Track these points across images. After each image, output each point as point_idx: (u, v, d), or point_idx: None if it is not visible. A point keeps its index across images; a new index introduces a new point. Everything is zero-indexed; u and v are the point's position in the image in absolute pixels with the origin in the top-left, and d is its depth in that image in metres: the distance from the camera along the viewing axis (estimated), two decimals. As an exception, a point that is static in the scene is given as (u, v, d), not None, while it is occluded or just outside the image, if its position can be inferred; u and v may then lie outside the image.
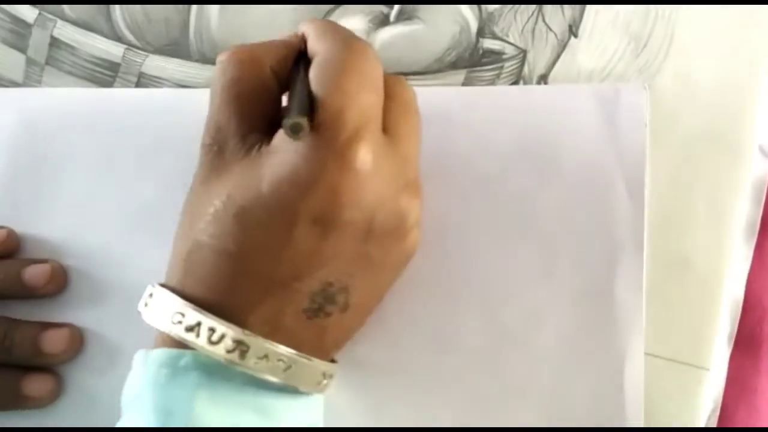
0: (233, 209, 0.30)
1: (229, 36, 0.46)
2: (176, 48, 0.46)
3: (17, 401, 0.39)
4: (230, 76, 0.34)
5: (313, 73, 0.32)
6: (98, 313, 0.41)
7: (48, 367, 0.39)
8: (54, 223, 0.43)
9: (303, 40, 0.36)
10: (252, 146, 0.32)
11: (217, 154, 0.34)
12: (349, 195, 0.30)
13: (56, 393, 0.39)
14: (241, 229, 0.30)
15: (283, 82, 0.35)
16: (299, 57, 0.36)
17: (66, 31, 0.47)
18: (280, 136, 0.31)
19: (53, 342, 0.39)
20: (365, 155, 0.30)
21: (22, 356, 0.39)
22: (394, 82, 0.34)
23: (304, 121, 0.29)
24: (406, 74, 0.43)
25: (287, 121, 0.29)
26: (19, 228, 0.43)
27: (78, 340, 0.40)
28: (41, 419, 0.40)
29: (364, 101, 0.31)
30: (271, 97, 0.35)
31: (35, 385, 0.39)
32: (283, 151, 0.30)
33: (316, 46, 0.34)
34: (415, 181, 0.33)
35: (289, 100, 0.32)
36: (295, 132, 0.29)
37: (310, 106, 0.31)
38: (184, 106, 0.44)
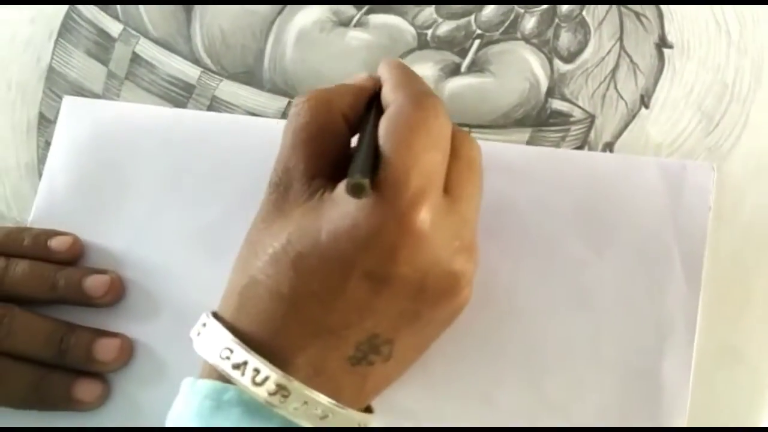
0: (291, 254, 0.31)
1: (302, 69, 0.46)
2: (250, 76, 0.47)
3: (67, 403, 0.41)
4: (303, 120, 0.35)
5: (383, 126, 0.32)
6: (151, 327, 0.42)
7: (98, 373, 0.40)
8: (117, 235, 0.44)
9: (378, 83, 0.37)
10: (316, 191, 0.33)
11: (282, 194, 0.34)
12: (405, 255, 0.30)
13: (103, 399, 0.41)
14: (296, 274, 0.30)
15: (353, 127, 0.36)
16: (372, 101, 0.37)
17: (147, 49, 0.49)
18: (342, 185, 0.31)
19: (106, 350, 0.40)
20: (425, 218, 0.30)
21: (75, 361, 0.41)
22: (462, 140, 0.35)
23: (366, 183, 0.29)
24: (471, 127, 0.43)
25: (350, 181, 0.29)
26: (84, 236, 0.44)
27: (128, 351, 0.41)
28: (86, 422, 0.41)
29: (429, 161, 0.31)
30: (341, 142, 0.35)
31: (85, 389, 0.40)
32: (345, 203, 0.30)
33: (389, 96, 0.34)
34: (471, 243, 0.33)
35: (355, 152, 0.32)
36: (356, 192, 0.29)
37: (376, 160, 0.31)
38: (253, 134, 0.45)
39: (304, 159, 0.34)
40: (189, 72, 0.48)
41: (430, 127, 0.32)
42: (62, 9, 0.49)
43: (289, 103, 0.46)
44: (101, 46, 0.49)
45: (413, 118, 0.32)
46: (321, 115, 0.35)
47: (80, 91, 0.48)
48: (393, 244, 0.30)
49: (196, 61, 0.48)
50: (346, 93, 0.36)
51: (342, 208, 0.30)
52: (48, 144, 0.47)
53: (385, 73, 0.37)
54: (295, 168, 0.34)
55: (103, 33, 0.48)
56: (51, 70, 0.49)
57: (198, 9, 0.47)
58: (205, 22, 0.47)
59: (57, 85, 0.49)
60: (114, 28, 0.48)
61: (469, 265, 0.33)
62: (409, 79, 0.35)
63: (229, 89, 0.47)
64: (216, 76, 0.47)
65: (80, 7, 0.49)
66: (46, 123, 0.48)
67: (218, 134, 0.45)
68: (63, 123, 0.47)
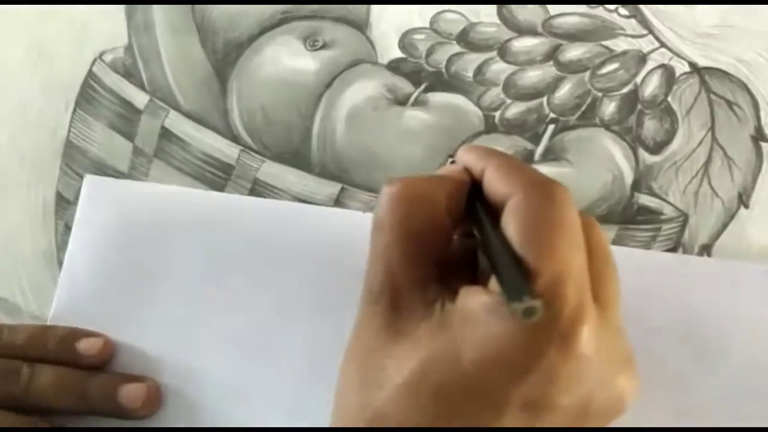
0: (429, 388, 0.28)
1: (355, 151, 0.43)
2: (296, 157, 0.43)
3: None
4: (402, 213, 0.31)
5: (515, 226, 0.29)
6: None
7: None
8: (150, 333, 0.40)
9: (469, 173, 0.34)
10: (433, 301, 0.30)
11: (390, 306, 0.30)
12: (568, 381, 0.27)
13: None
14: (437, 410, 0.27)
15: (456, 222, 0.32)
16: (471, 193, 0.33)
17: (178, 123, 0.44)
18: (476, 300, 0.28)
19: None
20: (589, 338, 0.27)
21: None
22: (590, 228, 0.31)
23: (539, 306, 0.25)
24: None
25: (518, 306, 0.25)
26: (112, 334, 0.40)
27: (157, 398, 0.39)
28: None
29: (578, 266, 0.28)
30: (445, 240, 0.32)
31: None
32: (484, 324, 0.27)
33: (501, 187, 0.31)
34: (630, 356, 0.30)
35: (493, 264, 0.29)
36: (529, 316, 0.25)
37: (518, 268, 0.28)
38: (303, 223, 0.41)
39: (411, 262, 0.30)
40: (227, 150, 0.44)
41: (569, 222, 0.29)
42: (80, 76, 0.45)
43: (343, 189, 0.42)
44: (125, 119, 0.44)
45: (549, 213, 0.29)
46: (423, 210, 0.31)
47: (103, 169, 0.44)
48: (554, 370, 0.27)
49: (235, 138, 0.44)
50: (445, 184, 0.33)
51: (482, 329, 0.27)
52: (68, 228, 0.42)
53: (477, 161, 0.33)
54: (401, 273, 0.30)
55: (126, 104, 0.44)
56: (69, 144, 0.45)
57: (234, 81, 0.44)
58: (243, 95, 0.44)
59: (76, 161, 0.44)
60: (139, 98, 0.44)
61: (634, 383, 0.30)
62: (516, 165, 0.32)
63: (273, 171, 0.43)
64: (258, 156, 0.43)
65: (101, 74, 0.44)
66: (65, 204, 0.44)
67: (262, 222, 0.42)
68: (85, 205, 0.43)
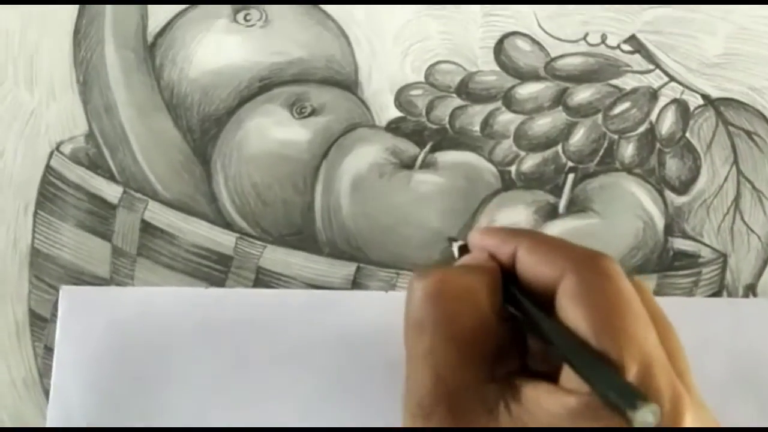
0: None
1: (366, 224, 0.42)
2: (301, 238, 0.42)
3: None
4: (446, 311, 0.30)
5: (582, 315, 0.28)
6: None
7: None
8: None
9: (494, 257, 0.33)
10: (495, 404, 0.29)
11: (448, 417, 0.29)
12: None
13: None
14: None
15: (498, 315, 0.31)
16: (505, 281, 0.33)
17: (161, 215, 0.42)
18: (556, 403, 0.28)
19: None
20: (693, 424, 0.27)
21: None
22: (641, 291, 0.31)
23: (656, 410, 0.25)
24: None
25: (634, 414, 0.25)
26: None
27: None
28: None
29: (656, 347, 0.28)
30: (494, 335, 0.31)
31: None
32: (560, 421, 0.27)
33: (544, 270, 0.31)
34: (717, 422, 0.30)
35: (571, 361, 0.28)
36: (646, 421, 0.25)
37: (608, 367, 0.27)
38: (318, 311, 0.39)
39: (464, 364, 0.29)
40: (221, 240, 0.41)
41: (632, 297, 0.29)
42: (36, 173, 0.42)
43: (359, 268, 0.41)
44: (98, 216, 0.42)
45: (614, 293, 0.29)
46: (468, 306, 0.30)
47: (80, 277, 0.41)
48: None
49: (228, 225, 0.42)
50: (483, 276, 0.32)
51: None
52: (49, 350, 0.40)
53: (502, 244, 0.33)
54: (454, 378, 0.29)
55: (96, 199, 0.42)
56: (35, 253, 0.41)
57: (217, 160, 0.42)
58: (230, 176, 0.42)
59: (47, 272, 0.41)
60: (111, 191, 0.42)
61: None
62: (551, 242, 0.32)
63: (277, 257, 0.41)
64: (257, 242, 0.41)
65: (61, 168, 0.42)
66: (40, 323, 0.41)
67: (273, 315, 0.39)
68: (65, 321, 0.39)
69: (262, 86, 0.43)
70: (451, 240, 0.39)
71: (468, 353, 0.29)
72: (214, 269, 0.41)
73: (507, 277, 0.32)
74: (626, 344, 0.28)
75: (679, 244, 0.41)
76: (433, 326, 0.30)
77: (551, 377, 0.29)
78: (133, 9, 0.43)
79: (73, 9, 0.43)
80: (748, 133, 0.41)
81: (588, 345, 0.28)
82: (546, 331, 0.30)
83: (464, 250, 0.36)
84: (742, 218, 0.41)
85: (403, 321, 0.31)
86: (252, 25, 0.43)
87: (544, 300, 0.31)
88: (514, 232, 0.33)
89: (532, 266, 0.31)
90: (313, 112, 0.43)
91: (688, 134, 0.42)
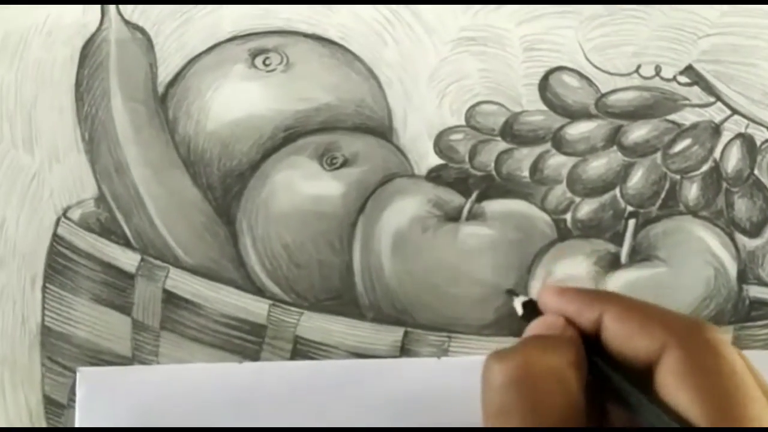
0: None
1: (411, 284, 0.40)
2: (341, 303, 0.40)
3: None
4: (533, 397, 0.29)
5: (694, 399, 0.27)
6: None
7: None
8: None
9: (572, 324, 0.32)
10: None
11: None
12: None
13: None
14: None
15: (584, 391, 0.30)
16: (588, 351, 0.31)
17: (184, 283, 0.40)
18: None
19: None
20: None
21: None
22: (747, 363, 0.30)
23: None
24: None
25: None
26: None
27: None
28: None
29: None
30: (582, 416, 0.29)
31: None
32: None
33: (640, 341, 0.29)
34: None
35: None
36: None
37: None
38: (364, 382, 0.38)
39: None
40: (253, 308, 0.40)
41: (746, 377, 0.28)
42: (42, 243, 0.41)
43: (406, 333, 0.40)
44: (114, 288, 0.40)
45: (728, 373, 0.28)
46: (555, 389, 0.29)
47: (99, 356, 0.39)
48: None
49: (259, 291, 0.40)
50: (565, 349, 0.31)
51: None
52: None
53: (586, 309, 0.32)
54: None
55: (112, 269, 0.41)
56: (46, 332, 0.40)
57: (243, 220, 0.42)
58: (259, 237, 0.41)
59: (60, 352, 0.39)
60: (126, 259, 0.41)
61: None
62: (644, 309, 0.31)
63: (315, 324, 0.40)
64: (293, 308, 0.40)
65: (70, 236, 0.41)
66: (56, 410, 0.39)
67: (315, 389, 0.38)
68: (85, 407, 0.37)
69: (287, 136, 0.42)
70: (511, 293, 0.38)
71: None
72: (247, 341, 0.40)
73: (589, 345, 0.31)
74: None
75: (755, 291, 0.40)
76: (521, 415, 0.28)
77: None
78: (140, 57, 0.42)
79: (72, 59, 0.42)
80: None
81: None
82: (644, 413, 0.29)
83: (529, 306, 0.35)
84: None
85: (482, 408, 0.30)
86: (272, 70, 0.42)
87: (635, 371, 0.30)
88: (598, 296, 0.33)
89: (624, 337, 0.30)
90: (346, 163, 0.41)
91: (756, 171, 0.41)
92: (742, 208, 0.40)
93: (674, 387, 0.28)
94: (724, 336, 0.29)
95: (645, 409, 0.29)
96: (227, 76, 0.41)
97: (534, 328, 0.33)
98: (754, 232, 0.40)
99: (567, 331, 0.32)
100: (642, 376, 0.30)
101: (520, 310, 0.36)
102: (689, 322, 0.30)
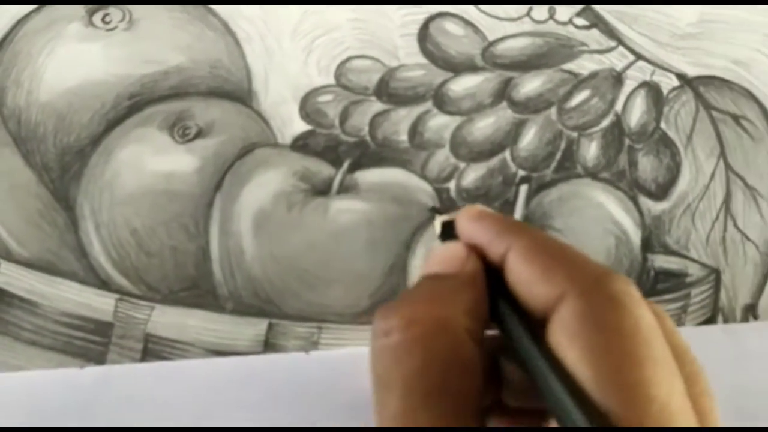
0: None
1: (276, 270, 0.38)
2: (197, 294, 0.38)
3: None
4: (416, 363, 0.27)
5: (582, 358, 0.26)
6: None
7: None
8: None
9: (481, 261, 0.30)
10: None
11: None
12: None
13: None
14: None
15: (481, 341, 0.29)
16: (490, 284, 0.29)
17: (17, 279, 0.38)
18: None
19: None
20: None
21: None
22: (661, 320, 0.28)
23: None
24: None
25: None
26: None
27: None
28: None
29: (681, 400, 0.25)
30: (475, 374, 0.28)
31: None
32: None
33: (539, 285, 0.27)
34: None
35: (558, 413, 0.26)
36: None
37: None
38: (224, 383, 0.36)
39: (437, 420, 0.26)
40: (97, 303, 0.38)
41: (655, 336, 0.26)
42: None
43: (270, 325, 0.38)
44: None
45: (630, 332, 0.26)
46: (445, 349, 0.27)
47: None
48: None
49: (104, 284, 0.38)
50: (462, 296, 0.29)
51: None
52: None
53: (494, 240, 0.29)
54: None
55: None
56: None
57: (84, 204, 0.39)
58: (103, 222, 0.39)
59: None
60: None
61: None
62: (553, 248, 0.29)
63: (168, 319, 0.37)
64: (143, 302, 0.38)
65: None
66: None
67: (169, 394, 0.36)
68: None
69: (133, 105, 0.39)
70: (435, 211, 0.36)
71: (451, 411, 0.27)
72: (91, 342, 0.37)
73: (496, 282, 0.29)
74: (645, 407, 0.25)
75: (661, 261, 0.38)
76: (403, 384, 0.27)
77: (532, 416, 0.29)
78: None
79: None
80: (735, 118, 0.39)
81: (591, 401, 0.25)
82: (535, 373, 0.27)
83: (448, 228, 0.33)
84: (735, 224, 0.39)
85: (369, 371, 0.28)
86: (113, 29, 0.40)
87: (535, 320, 0.28)
88: (511, 227, 0.30)
89: (525, 279, 0.28)
90: (200, 134, 0.39)
91: (663, 124, 0.39)
92: (647, 167, 0.39)
93: (564, 342, 0.27)
94: (634, 289, 0.27)
95: (535, 365, 0.27)
96: (61, 36, 0.39)
97: (433, 260, 0.31)
98: (660, 194, 0.39)
99: (468, 266, 0.30)
100: (540, 327, 0.28)
101: (438, 231, 0.33)
102: (596, 271, 0.28)
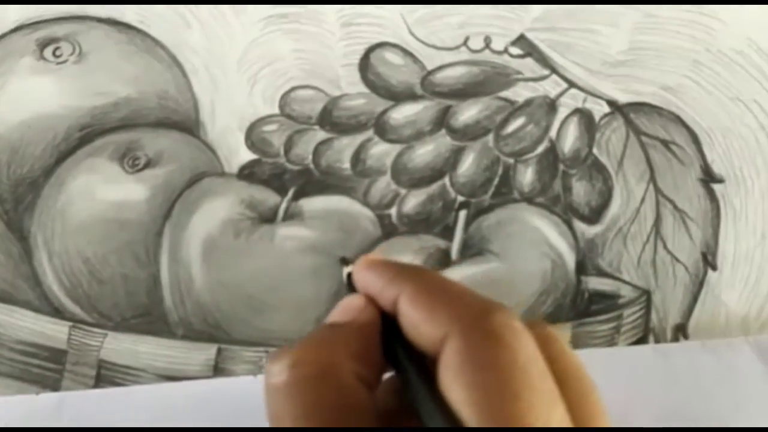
0: None
1: (224, 296, 0.39)
2: (149, 320, 0.39)
3: None
4: (305, 404, 0.28)
5: (465, 399, 0.26)
6: None
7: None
8: None
9: (379, 305, 0.31)
10: None
11: None
12: None
13: None
14: None
15: (375, 384, 0.30)
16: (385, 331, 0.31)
17: None
18: None
19: None
20: None
21: None
22: (549, 344, 0.29)
23: None
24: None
25: None
26: None
27: None
28: None
29: (561, 422, 0.26)
30: (366, 415, 0.28)
31: None
32: None
33: (426, 329, 0.28)
34: None
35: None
36: None
37: None
38: (176, 407, 0.37)
39: None
40: (51, 331, 0.39)
41: (534, 369, 0.27)
42: None
43: (220, 350, 0.39)
44: None
45: (508, 369, 0.27)
46: (328, 390, 0.28)
47: None
48: None
49: (58, 312, 0.39)
50: (352, 341, 0.30)
51: None
52: None
53: (384, 288, 0.30)
54: None
55: None
56: None
57: (38, 234, 0.40)
58: (56, 252, 0.40)
59: None
60: None
61: None
62: (438, 289, 0.30)
63: (121, 346, 0.39)
64: (95, 329, 0.39)
65: None
66: None
67: (121, 419, 0.37)
68: None
69: (84, 136, 0.40)
70: (344, 262, 0.37)
71: None
72: (46, 369, 0.39)
73: (392, 329, 0.30)
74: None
75: (595, 283, 0.39)
76: (293, 423, 0.28)
77: None
78: None
79: None
80: (665, 143, 0.40)
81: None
82: (423, 412, 0.28)
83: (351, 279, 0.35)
84: (665, 246, 0.40)
85: None
86: (64, 62, 0.41)
87: (433, 361, 0.28)
88: (400, 273, 0.31)
89: (414, 321, 0.29)
90: (149, 164, 0.40)
91: (595, 150, 0.41)
92: (581, 191, 0.40)
93: (449, 384, 0.27)
94: (513, 321, 0.28)
95: (423, 407, 0.28)
96: (13, 71, 0.40)
97: (335, 311, 0.32)
98: (593, 218, 0.40)
99: (364, 314, 0.31)
100: (434, 368, 0.29)
101: (345, 281, 0.35)
102: (476, 307, 0.29)
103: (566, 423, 0.27)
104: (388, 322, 0.30)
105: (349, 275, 0.34)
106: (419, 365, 0.29)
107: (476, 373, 0.27)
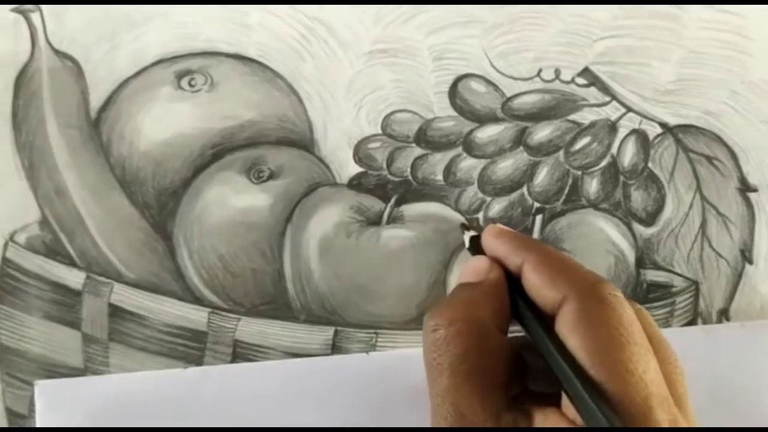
0: None
1: (339, 286, 0.47)
2: (275, 307, 0.47)
3: None
4: (458, 350, 0.34)
5: (581, 346, 0.33)
6: None
7: None
8: None
9: (500, 263, 0.38)
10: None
11: None
12: None
13: None
14: None
15: (506, 329, 0.36)
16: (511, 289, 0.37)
17: (128, 297, 0.47)
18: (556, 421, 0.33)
19: None
20: None
21: None
22: (642, 317, 0.35)
23: None
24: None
25: None
26: None
27: None
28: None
29: (656, 377, 0.32)
30: (505, 360, 0.35)
31: None
32: None
33: (546, 291, 0.35)
34: None
35: (568, 390, 0.32)
36: None
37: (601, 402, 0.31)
38: (300, 380, 0.43)
39: (481, 400, 0.34)
40: (193, 316, 0.46)
41: (634, 327, 0.33)
42: None
43: (336, 332, 0.46)
44: (63, 305, 0.46)
45: (615, 325, 0.33)
46: (479, 339, 0.35)
47: (54, 369, 0.45)
48: None
49: (198, 300, 0.47)
50: (488, 298, 0.37)
51: None
52: None
53: (512, 254, 0.37)
54: (472, 414, 0.33)
55: (60, 287, 0.47)
56: (3, 349, 0.46)
57: (179, 235, 0.48)
58: (195, 249, 0.48)
59: (17, 367, 0.45)
60: (73, 278, 0.47)
61: None
62: (557, 261, 0.36)
63: (252, 329, 0.46)
64: (231, 315, 0.46)
65: (18, 259, 0.46)
66: (18, 421, 0.45)
67: (255, 389, 0.43)
68: (45, 418, 0.42)
69: (215, 153, 0.47)
70: (464, 228, 0.43)
71: (486, 386, 0.34)
72: (190, 347, 0.46)
73: (515, 286, 0.37)
74: (625, 378, 0.32)
75: (652, 275, 0.47)
76: (450, 367, 0.34)
77: (554, 398, 0.34)
78: (72, 85, 0.48)
79: (7, 89, 0.46)
80: (708, 158, 0.48)
81: (587, 376, 0.32)
82: (547, 357, 0.34)
83: (474, 242, 0.40)
84: (710, 244, 0.48)
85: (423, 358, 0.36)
86: (198, 90, 0.48)
87: (550, 319, 0.35)
88: (524, 244, 0.38)
89: (535, 284, 0.36)
90: (272, 176, 0.48)
91: (650, 164, 0.48)
92: (638, 199, 0.47)
93: (566, 335, 0.33)
94: (617, 293, 0.34)
95: (546, 351, 0.34)
96: (156, 98, 0.47)
97: (464, 272, 0.39)
98: (649, 221, 0.47)
99: (491, 274, 0.37)
100: (550, 321, 0.35)
101: (467, 244, 0.41)
102: (589, 278, 0.35)
103: (658, 372, 0.33)
104: (512, 282, 0.37)
105: (473, 238, 0.40)
106: (539, 318, 0.35)
107: (590, 329, 0.33)
